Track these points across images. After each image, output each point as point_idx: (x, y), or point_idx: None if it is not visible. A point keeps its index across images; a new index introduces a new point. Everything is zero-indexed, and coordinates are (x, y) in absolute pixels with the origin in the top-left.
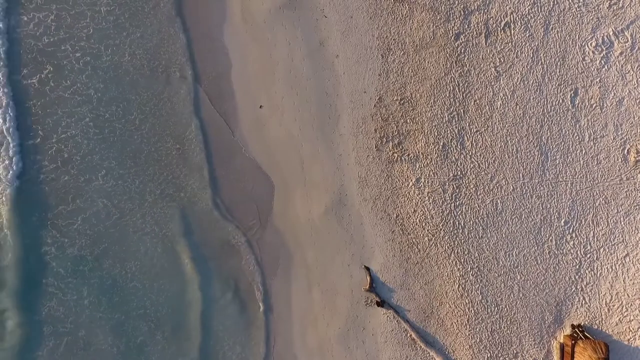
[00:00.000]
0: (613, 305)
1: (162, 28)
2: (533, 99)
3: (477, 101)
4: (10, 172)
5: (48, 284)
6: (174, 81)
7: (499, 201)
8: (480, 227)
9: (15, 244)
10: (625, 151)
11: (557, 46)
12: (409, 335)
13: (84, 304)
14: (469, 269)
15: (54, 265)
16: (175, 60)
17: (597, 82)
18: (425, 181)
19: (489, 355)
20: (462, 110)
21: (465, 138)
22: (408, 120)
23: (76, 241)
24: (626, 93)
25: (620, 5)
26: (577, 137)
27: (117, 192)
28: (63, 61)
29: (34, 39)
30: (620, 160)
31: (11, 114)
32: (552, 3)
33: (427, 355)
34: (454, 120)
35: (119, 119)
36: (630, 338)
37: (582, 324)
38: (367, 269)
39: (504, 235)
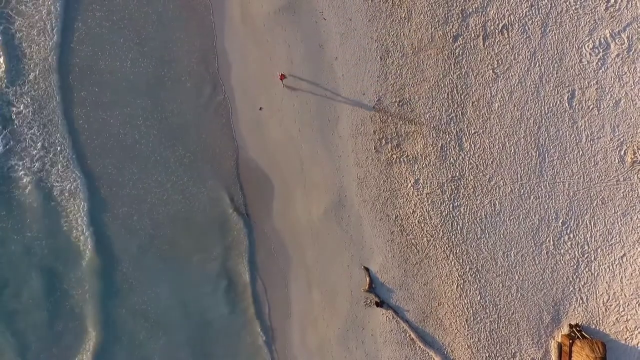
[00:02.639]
0: (610, 305)
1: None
2: (531, 100)
3: (475, 103)
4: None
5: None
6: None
7: (497, 202)
8: (479, 228)
9: (92, 248)
10: (622, 152)
11: (555, 48)
12: (408, 335)
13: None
14: (467, 269)
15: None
16: (185, 66)
17: (594, 83)
18: (424, 182)
19: (487, 355)
20: (460, 112)
21: (464, 139)
22: (407, 122)
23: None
24: (623, 94)
25: (617, 7)
26: (575, 139)
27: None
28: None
29: (75, 61)
30: (617, 161)
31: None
32: (549, 5)
33: (426, 355)
34: (452, 122)
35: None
36: (628, 337)
37: (579, 324)
38: (367, 269)
39: (502, 236)
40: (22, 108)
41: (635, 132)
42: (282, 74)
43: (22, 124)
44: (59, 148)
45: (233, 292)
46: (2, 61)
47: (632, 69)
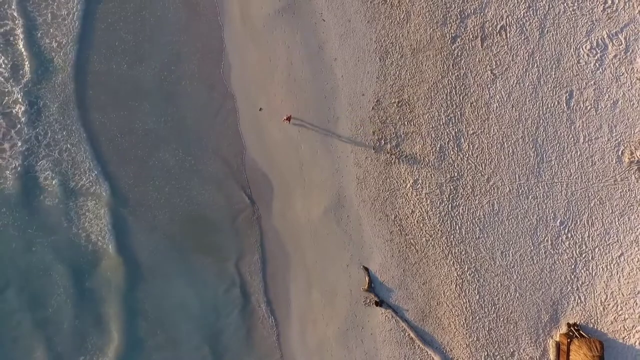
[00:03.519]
0: (608, 304)
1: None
2: (529, 101)
3: (474, 103)
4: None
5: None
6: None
7: (495, 202)
8: (477, 228)
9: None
10: (620, 152)
11: (553, 49)
12: (407, 334)
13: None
14: (466, 268)
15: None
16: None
17: (591, 84)
18: (422, 182)
19: (486, 354)
20: (459, 113)
21: (462, 140)
22: (406, 123)
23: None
24: (620, 95)
25: (614, 8)
26: (572, 139)
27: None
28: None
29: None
30: (614, 161)
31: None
32: (547, 7)
33: (425, 354)
34: (451, 123)
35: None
36: (625, 336)
37: (577, 323)
38: (366, 269)
39: (500, 236)
40: (41, 108)
41: (632, 132)
42: (288, 116)
43: (39, 124)
44: (74, 148)
45: (243, 293)
46: (26, 61)
47: (629, 70)
